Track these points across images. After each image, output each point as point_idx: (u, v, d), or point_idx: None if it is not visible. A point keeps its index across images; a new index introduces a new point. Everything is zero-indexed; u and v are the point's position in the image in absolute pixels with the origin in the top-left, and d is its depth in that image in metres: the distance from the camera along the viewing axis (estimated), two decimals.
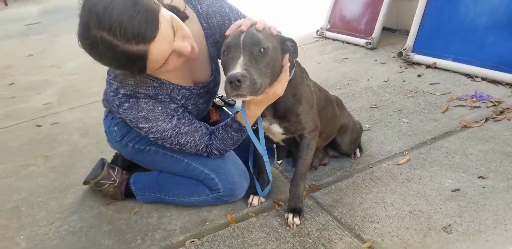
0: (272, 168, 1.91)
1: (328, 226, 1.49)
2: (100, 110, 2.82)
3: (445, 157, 1.81)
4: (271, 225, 1.53)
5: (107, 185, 1.75)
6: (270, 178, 1.63)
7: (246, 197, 1.67)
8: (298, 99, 1.45)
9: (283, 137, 1.57)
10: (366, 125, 2.18)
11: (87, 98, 3.16)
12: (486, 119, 2.07)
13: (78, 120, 2.78)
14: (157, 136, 1.45)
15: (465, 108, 2.23)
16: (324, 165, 1.87)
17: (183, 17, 1.40)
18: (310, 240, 1.43)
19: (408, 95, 2.47)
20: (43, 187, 2.01)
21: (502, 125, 2.00)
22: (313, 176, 1.81)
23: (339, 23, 3.84)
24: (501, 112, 2.13)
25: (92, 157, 2.24)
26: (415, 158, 1.83)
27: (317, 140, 1.57)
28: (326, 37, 3.94)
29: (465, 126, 2.04)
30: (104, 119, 1.78)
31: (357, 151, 1.90)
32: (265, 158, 1.54)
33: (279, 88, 1.33)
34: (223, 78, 1.31)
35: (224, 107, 1.88)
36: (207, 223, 1.60)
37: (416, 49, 3.02)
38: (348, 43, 3.67)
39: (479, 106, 2.22)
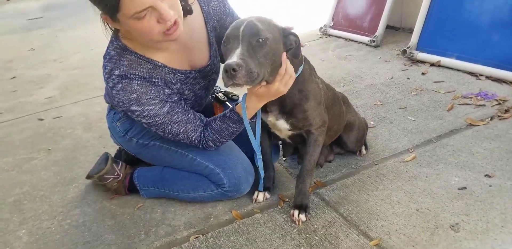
0: (276, 164, 1.90)
1: (334, 223, 1.48)
2: (103, 105, 2.81)
3: (451, 155, 1.80)
4: (276, 222, 1.52)
5: (110, 179, 1.74)
6: (262, 174, 1.61)
7: (251, 193, 1.66)
8: (305, 96, 1.43)
9: (290, 133, 1.56)
10: (371, 122, 2.17)
11: (89, 93, 3.15)
12: (491, 118, 2.06)
13: (81, 115, 2.76)
14: (149, 121, 1.42)
15: (470, 106, 2.22)
16: (330, 161, 1.86)
17: (189, 11, 1.41)
18: (316, 238, 1.42)
19: (412, 93, 2.46)
20: (45, 181, 2.00)
21: (507, 124, 1.99)
22: (319, 173, 1.80)
23: (343, 21, 3.83)
24: (506, 111, 2.11)
25: (95, 151, 2.23)
26: (420, 155, 1.82)
27: (324, 136, 1.55)
28: (329, 35, 3.92)
29: (470, 124, 2.03)
30: (107, 115, 1.76)
31: (363, 148, 1.89)
32: (258, 154, 1.54)
33: (283, 86, 1.31)
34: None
35: (227, 102, 1.87)
36: (212, 218, 1.59)
37: (420, 47, 3.01)
38: (352, 40, 3.65)
39: (484, 105, 2.21)
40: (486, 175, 1.63)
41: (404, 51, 3.04)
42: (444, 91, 2.43)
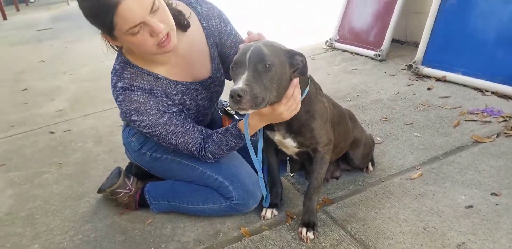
0: (284, 180, 1.92)
1: (342, 241, 1.50)
2: (112, 118, 2.86)
3: (458, 172, 1.82)
4: (284, 239, 1.54)
5: (122, 193, 1.77)
6: (264, 193, 1.65)
7: (259, 209, 1.69)
8: (312, 115, 1.47)
9: (296, 150, 1.59)
10: (378, 138, 2.20)
11: (99, 106, 3.20)
12: (498, 135, 2.08)
13: (91, 128, 2.81)
14: (149, 131, 1.51)
15: (476, 123, 2.24)
16: (336, 178, 1.88)
17: (186, 25, 1.50)
18: None
19: (418, 109, 2.49)
20: (57, 195, 2.04)
21: None
22: (326, 190, 1.82)
23: (348, 34, 3.87)
24: None
25: (105, 165, 2.27)
26: (427, 173, 1.84)
27: (330, 154, 1.58)
28: (335, 48, 3.97)
29: (477, 141, 2.05)
30: (123, 131, 1.81)
31: (370, 164, 1.91)
32: (260, 173, 1.58)
33: (286, 111, 1.35)
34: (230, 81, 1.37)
35: (235, 116, 1.91)
36: (221, 235, 1.62)
37: (425, 62, 3.04)
38: (357, 54, 3.69)
39: (490, 121, 2.23)
40: (492, 193, 1.65)
41: (410, 66, 3.08)
42: (450, 107, 2.46)
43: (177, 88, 1.55)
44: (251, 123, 1.46)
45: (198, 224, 1.70)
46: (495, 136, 2.08)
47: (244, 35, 1.54)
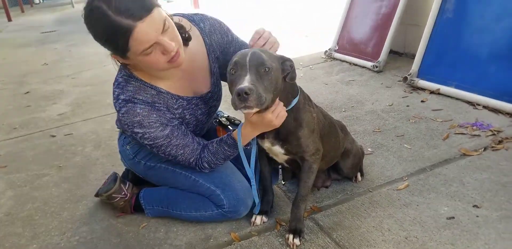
0: (276, 188, 1.99)
1: (326, 248, 1.56)
2: (112, 123, 2.94)
3: (443, 184, 1.88)
4: (272, 245, 1.61)
5: (118, 198, 1.84)
6: (257, 201, 1.72)
7: (250, 215, 1.75)
8: (300, 124, 1.54)
9: (286, 157, 1.66)
10: (369, 149, 2.26)
11: (100, 110, 3.28)
12: (485, 148, 2.15)
13: (91, 132, 2.88)
14: (150, 143, 1.54)
15: (465, 136, 2.30)
16: (326, 187, 1.95)
17: (187, 38, 1.55)
18: None
19: (411, 121, 2.56)
20: (56, 197, 2.11)
21: (499, 154, 2.08)
22: (315, 198, 1.89)
23: (347, 45, 3.95)
24: (500, 142, 2.20)
25: (104, 169, 2.34)
26: (414, 184, 1.91)
27: (318, 164, 1.65)
28: (334, 58, 4.04)
29: (464, 154, 2.12)
30: (118, 139, 1.88)
31: (358, 175, 1.98)
32: (253, 181, 1.65)
33: (275, 118, 1.42)
34: (225, 95, 1.43)
35: (229, 127, 1.98)
36: (211, 240, 1.68)
37: (421, 74, 3.11)
38: (356, 65, 3.77)
39: (479, 135, 2.30)
40: (474, 206, 1.71)
41: (405, 78, 3.15)
42: (441, 120, 2.52)
43: (178, 102, 1.60)
44: (244, 132, 1.52)
45: (191, 228, 1.76)
46: (483, 149, 2.14)
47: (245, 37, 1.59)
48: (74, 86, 4.09)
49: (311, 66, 3.89)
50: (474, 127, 2.40)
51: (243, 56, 1.33)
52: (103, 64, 4.58)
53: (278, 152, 1.61)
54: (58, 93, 3.90)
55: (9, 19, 10.10)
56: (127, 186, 1.88)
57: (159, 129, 1.52)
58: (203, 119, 1.75)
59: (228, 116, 2.03)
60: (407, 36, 3.74)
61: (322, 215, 1.75)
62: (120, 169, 2.16)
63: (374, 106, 2.85)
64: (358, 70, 3.65)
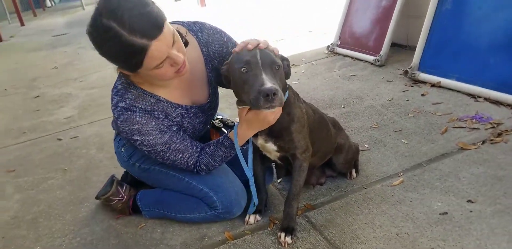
0: (270, 186, 2.01)
1: (318, 245, 1.58)
2: None
3: (438, 179, 1.88)
4: (264, 243, 1.63)
5: (115, 201, 1.89)
6: (256, 201, 1.73)
7: (244, 215, 1.78)
8: (292, 118, 1.56)
9: (278, 154, 1.68)
10: (366, 145, 2.26)
11: (105, 113, 3.34)
12: (483, 142, 2.12)
13: (96, 135, 2.95)
14: (149, 149, 1.56)
15: (464, 129, 2.28)
16: (321, 184, 1.96)
17: (184, 43, 1.54)
18: None
19: (409, 115, 2.54)
20: (60, 200, 2.18)
21: (498, 148, 2.05)
22: (310, 195, 1.90)
23: (349, 39, 3.93)
24: (499, 135, 2.17)
25: (106, 171, 2.40)
26: (408, 179, 1.91)
27: (308, 162, 1.67)
28: (336, 53, 4.02)
29: (462, 148, 2.10)
30: (114, 140, 1.92)
31: (353, 171, 1.98)
32: (251, 181, 1.66)
33: (271, 116, 1.45)
34: (226, 95, 1.45)
35: (223, 129, 2.00)
36: (206, 239, 1.72)
37: (421, 67, 3.08)
38: (358, 59, 3.74)
39: (478, 128, 2.27)
40: (468, 200, 1.71)
41: (406, 72, 3.12)
42: (440, 114, 2.50)
43: (177, 111, 1.62)
44: (240, 132, 1.55)
45: (186, 228, 1.80)
46: (481, 143, 2.12)
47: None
48: (82, 89, 4.17)
49: (313, 62, 3.88)
50: (474, 120, 2.37)
51: (253, 55, 1.34)
52: (108, 66, 4.61)
53: (271, 149, 1.63)
54: (66, 96, 3.99)
55: (22, 24, 10.32)
56: (124, 188, 1.93)
57: (158, 136, 1.54)
58: (200, 128, 1.78)
59: (222, 118, 2.05)
60: (409, 28, 3.69)
61: (315, 213, 1.77)
62: (122, 170, 2.21)
63: (373, 101, 2.83)
64: (360, 64, 3.63)
